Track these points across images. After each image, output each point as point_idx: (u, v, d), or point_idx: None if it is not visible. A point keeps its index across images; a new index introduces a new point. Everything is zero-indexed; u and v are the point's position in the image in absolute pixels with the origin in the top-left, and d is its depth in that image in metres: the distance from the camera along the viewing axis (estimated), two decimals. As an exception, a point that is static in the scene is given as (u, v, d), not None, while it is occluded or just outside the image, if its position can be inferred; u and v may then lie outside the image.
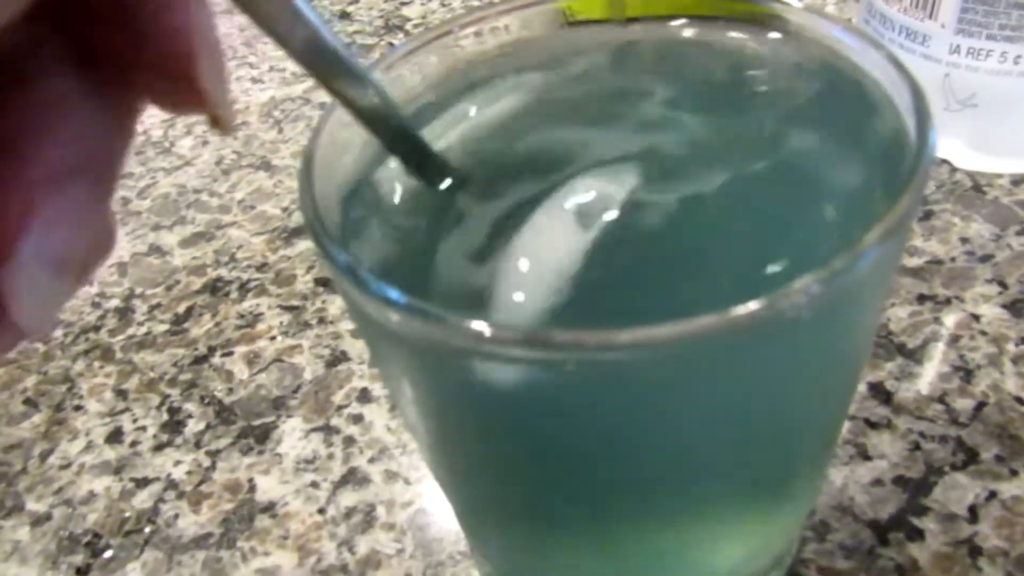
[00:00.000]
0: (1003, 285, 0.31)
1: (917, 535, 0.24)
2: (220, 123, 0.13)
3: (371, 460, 0.29)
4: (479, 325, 0.13)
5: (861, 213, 0.16)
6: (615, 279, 0.16)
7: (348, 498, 0.28)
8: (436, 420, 0.18)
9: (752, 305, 0.12)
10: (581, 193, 0.17)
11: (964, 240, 0.34)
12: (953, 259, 0.33)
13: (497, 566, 0.24)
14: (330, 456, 0.29)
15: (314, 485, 0.28)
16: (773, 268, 0.15)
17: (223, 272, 0.37)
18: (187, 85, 0.13)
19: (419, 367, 0.16)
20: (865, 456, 0.27)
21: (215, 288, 0.37)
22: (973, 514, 0.25)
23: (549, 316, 0.15)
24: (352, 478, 0.28)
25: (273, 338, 0.34)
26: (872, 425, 0.27)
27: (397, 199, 0.18)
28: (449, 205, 0.17)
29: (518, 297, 0.15)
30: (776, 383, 0.16)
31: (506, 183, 0.17)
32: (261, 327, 0.34)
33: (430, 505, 0.27)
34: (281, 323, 0.34)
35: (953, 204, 0.35)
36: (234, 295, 0.36)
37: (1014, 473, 0.26)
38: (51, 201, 0.12)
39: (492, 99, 0.20)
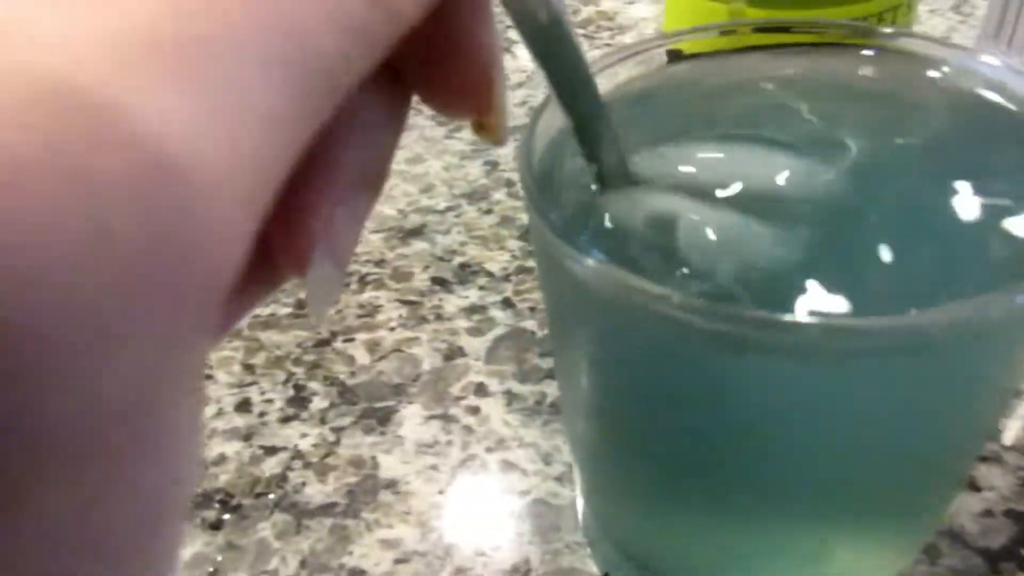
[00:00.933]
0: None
1: (1029, 566, 0.25)
2: (489, 129, 0.14)
3: (488, 450, 0.30)
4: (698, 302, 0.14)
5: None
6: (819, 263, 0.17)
7: (467, 482, 0.29)
8: (612, 378, 0.19)
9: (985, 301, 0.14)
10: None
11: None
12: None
13: (617, 542, 0.25)
14: (449, 443, 0.30)
15: (434, 468, 0.29)
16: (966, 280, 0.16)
17: (343, 264, 0.39)
18: (476, 93, 0.14)
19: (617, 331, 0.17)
20: (975, 487, 0.27)
21: (336, 278, 0.38)
22: (1085, 552, 0.25)
23: (762, 285, 0.16)
24: (471, 465, 0.29)
25: (392, 329, 0.35)
26: (982, 459, 0.28)
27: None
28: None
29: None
30: (950, 394, 0.17)
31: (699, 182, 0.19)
32: (381, 317, 0.36)
33: (547, 496, 0.28)
34: (400, 315, 0.36)
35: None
36: (354, 287, 0.38)
37: None
38: (349, 206, 0.13)
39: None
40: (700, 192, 0.18)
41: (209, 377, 0.34)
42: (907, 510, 0.22)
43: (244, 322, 0.36)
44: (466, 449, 0.30)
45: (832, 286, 0.16)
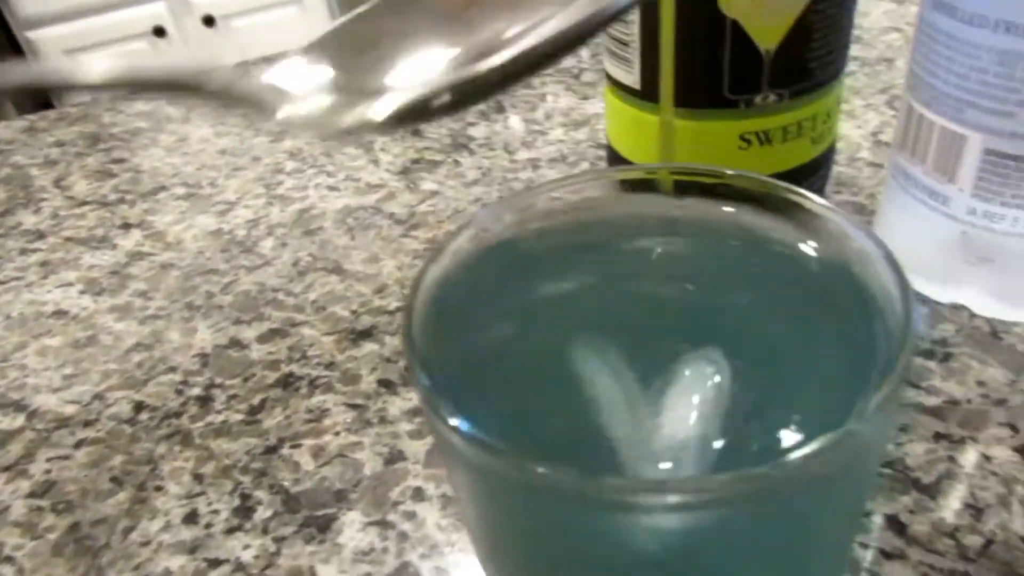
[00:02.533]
0: (1015, 429, 0.33)
1: (925, 666, 0.26)
2: None
3: (422, 556, 0.31)
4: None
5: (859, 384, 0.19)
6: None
7: (399, 591, 0.30)
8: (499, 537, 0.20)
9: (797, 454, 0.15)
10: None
11: (980, 383, 0.36)
12: (969, 400, 0.35)
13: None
14: (384, 550, 0.31)
15: (369, 576, 0.30)
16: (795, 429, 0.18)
17: (295, 368, 0.41)
18: None
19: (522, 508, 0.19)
20: (879, 585, 0.28)
21: (287, 383, 0.40)
22: (979, 649, 0.26)
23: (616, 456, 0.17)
24: (404, 572, 0.30)
25: (338, 433, 0.37)
26: (887, 555, 0.29)
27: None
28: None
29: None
30: (802, 523, 0.18)
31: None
32: (327, 422, 0.37)
33: (474, 603, 0.29)
34: (345, 420, 0.37)
35: (971, 348, 0.37)
36: (304, 390, 0.39)
37: (1019, 612, 0.27)
38: None
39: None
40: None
41: (159, 489, 0.35)
42: None
43: (196, 431, 0.37)
44: (401, 556, 0.31)
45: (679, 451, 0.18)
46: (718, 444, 0.18)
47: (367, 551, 0.31)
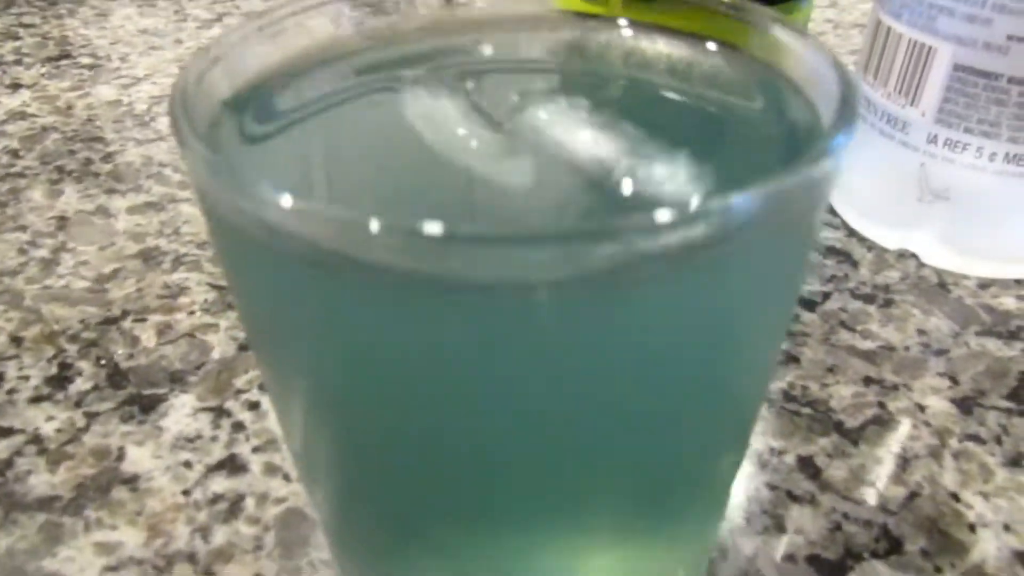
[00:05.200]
0: (955, 381, 0.29)
1: (822, 622, 0.21)
2: None
3: (255, 449, 0.25)
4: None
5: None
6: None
7: (219, 484, 0.24)
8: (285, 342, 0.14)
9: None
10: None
11: (921, 332, 0.31)
12: (907, 348, 0.30)
13: (358, 560, 0.20)
14: (213, 438, 0.26)
15: (187, 464, 0.25)
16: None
17: (162, 242, 0.35)
18: None
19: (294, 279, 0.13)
20: (781, 529, 0.23)
21: (149, 256, 0.34)
22: (887, 610, 0.21)
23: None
24: (229, 464, 0.25)
25: (192, 312, 0.31)
26: (794, 498, 0.24)
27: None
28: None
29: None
30: (689, 320, 0.13)
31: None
32: (183, 300, 0.31)
33: (307, 506, 0.24)
34: (205, 300, 0.31)
35: (916, 297, 0.33)
36: (166, 265, 0.33)
37: (938, 570, 0.22)
38: None
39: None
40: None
41: (-34, 347, 0.29)
42: (683, 486, 0.17)
43: (30, 292, 0.31)
44: (230, 447, 0.25)
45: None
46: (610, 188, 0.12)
47: (192, 438, 0.26)
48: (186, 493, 0.24)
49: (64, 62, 0.50)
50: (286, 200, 0.10)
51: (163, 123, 0.44)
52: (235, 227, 0.12)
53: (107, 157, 0.41)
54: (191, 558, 0.22)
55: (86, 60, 0.51)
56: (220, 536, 0.23)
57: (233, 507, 0.23)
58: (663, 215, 0.10)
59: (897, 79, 0.32)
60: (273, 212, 0.10)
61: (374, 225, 0.10)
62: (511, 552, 0.16)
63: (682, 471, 0.15)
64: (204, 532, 0.23)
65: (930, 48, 0.30)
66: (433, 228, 0.09)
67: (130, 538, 0.23)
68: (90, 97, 0.46)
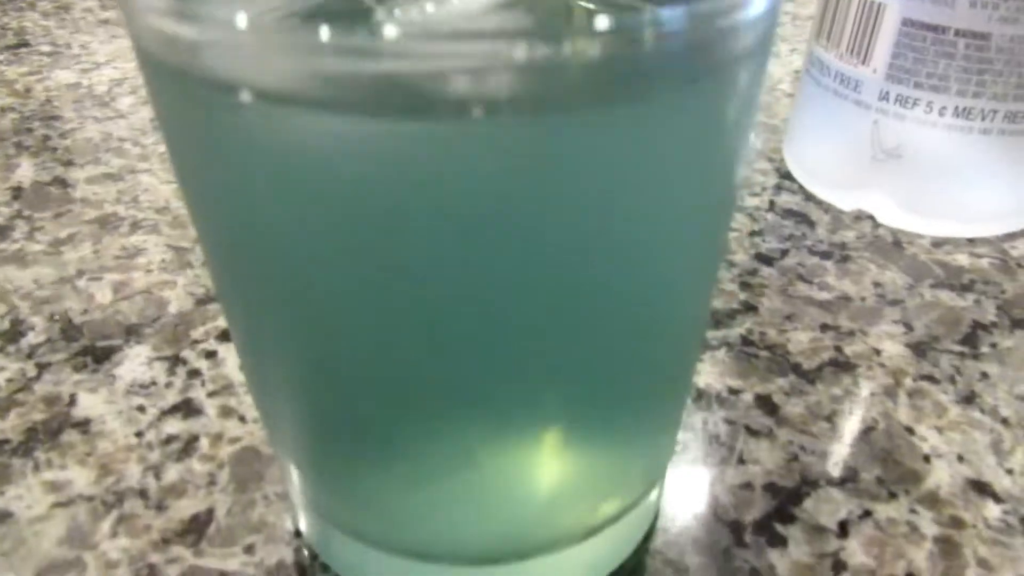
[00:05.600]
0: (909, 327, 0.29)
1: (779, 542, 0.21)
2: None
3: (211, 394, 0.25)
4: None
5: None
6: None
7: (173, 426, 0.24)
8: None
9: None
10: None
11: (877, 284, 0.31)
12: (863, 299, 0.30)
13: (311, 496, 0.20)
14: (168, 384, 0.25)
15: (140, 409, 0.24)
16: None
17: (120, 209, 0.34)
18: None
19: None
20: (739, 461, 0.23)
21: (106, 221, 0.33)
22: (843, 529, 0.21)
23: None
24: (184, 408, 0.24)
25: (150, 271, 0.30)
26: (752, 432, 0.24)
27: None
28: None
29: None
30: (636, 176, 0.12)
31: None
32: (141, 260, 0.31)
33: (262, 444, 0.23)
34: (163, 260, 0.31)
35: (872, 254, 0.33)
36: (124, 229, 0.33)
37: (892, 496, 0.22)
38: None
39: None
40: None
41: (-86, 303, 0.28)
42: (642, 374, 0.17)
43: (-18, 254, 0.31)
44: (185, 392, 0.25)
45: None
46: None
47: (146, 384, 0.25)
48: (139, 435, 0.23)
49: (23, 50, 0.50)
50: (220, 14, 0.10)
51: (124, 103, 0.43)
52: (164, 61, 0.12)
53: (65, 134, 0.40)
54: (142, 494, 0.22)
55: (46, 48, 0.50)
56: (173, 473, 0.22)
57: (187, 447, 0.23)
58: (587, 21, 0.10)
59: (849, 39, 0.32)
60: (210, 29, 0.10)
61: (323, 34, 0.10)
62: (464, 447, 0.15)
63: (635, 352, 0.15)
64: (156, 470, 0.22)
65: (880, 4, 0.31)
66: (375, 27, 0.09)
67: (80, 476, 0.22)
68: (48, 81, 0.46)
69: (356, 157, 0.11)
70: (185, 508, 0.21)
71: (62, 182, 0.36)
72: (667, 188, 0.13)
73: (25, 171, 0.37)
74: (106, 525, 0.21)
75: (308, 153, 0.11)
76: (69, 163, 0.37)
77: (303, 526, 0.20)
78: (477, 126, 0.10)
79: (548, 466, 0.16)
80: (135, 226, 0.33)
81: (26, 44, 0.51)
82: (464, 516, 0.16)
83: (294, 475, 0.19)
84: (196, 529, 0.21)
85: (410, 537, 0.17)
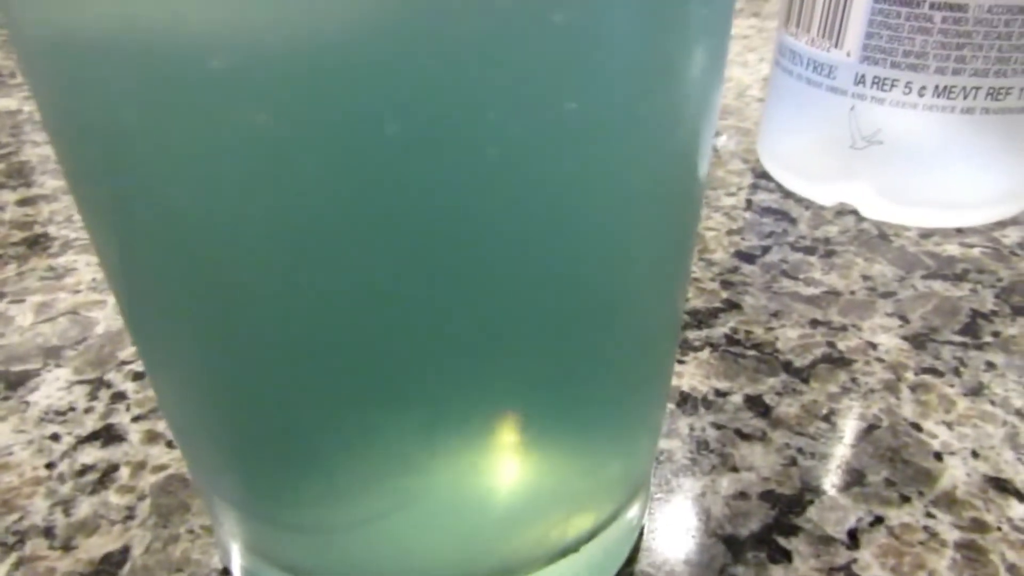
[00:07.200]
0: (905, 320, 0.27)
1: (782, 556, 0.18)
2: None
3: (136, 418, 0.22)
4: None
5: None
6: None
7: (89, 455, 0.21)
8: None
9: None
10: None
11: (866, 277, 0.29)
12: (853, 292, 0.28)
13: (231, 525, 0.17)
14: (88, 410, 0.22)
15: (54, 438, 0.21)
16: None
17: (51, 229, 0.31)
18: None
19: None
20: (732, 468, 0.21)
21: (35, 242, 0.30)
22: (854, 539, 0.19)
23: None
24: (104, 434, 0.21)
25: (78, 291, 0.27)
26: (744, 436, 0.22)
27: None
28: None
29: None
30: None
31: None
32: (68, 280, 0.28)
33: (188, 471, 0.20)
34: (93, 279, 0.28)
35: (857, 247, 0.31)
36: (54, 250, 0.30)
37: (905, 499, 0.20)
38: None
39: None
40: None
41: None
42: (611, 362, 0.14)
43: None
44: (107, 418, 0.22)
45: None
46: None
47: (63, 411, 0.22)
48: (49, 466, 0.20)
49: (-35, 78, 0.47)
50: None
51: (66, 126, 0.41)
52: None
53: (1, 158, 0.37)
54: (47, 532, 0.18)
55: (-11, 76, 0.48)
56: (85, 507, 0.19)
57: (104, 478, 0.20)
58: None
59: (820, 22, 0.30)
60: None
61: None
62: (401, 448, 0.13)
63: (594, 336, 0.12)
64: (66, 505, 0.19)
65: (850, -17, 0.29)
66: None
67: (-25, 516, 0.19)
68: (-11, 107, 0.43)
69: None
70: (96, 547, 0.18)
71: (-9, 205, 0.33)
72: (614, 110, 0.10)
73: (-48, 195, 0.34)
74: (2, 570, 0.17)
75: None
76: (2, 186, 0.35)
77: (232, 563, 0.17)
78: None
79: (504, 472, 0.13)
80: (66, 246, 0.30)
81: (-33, 74, 0.48)
82: (408, 535, 0.13)
83: (218, 507, 0.16)
84: (107, 571, 0.17)
85: (348, 567, 0.14)
